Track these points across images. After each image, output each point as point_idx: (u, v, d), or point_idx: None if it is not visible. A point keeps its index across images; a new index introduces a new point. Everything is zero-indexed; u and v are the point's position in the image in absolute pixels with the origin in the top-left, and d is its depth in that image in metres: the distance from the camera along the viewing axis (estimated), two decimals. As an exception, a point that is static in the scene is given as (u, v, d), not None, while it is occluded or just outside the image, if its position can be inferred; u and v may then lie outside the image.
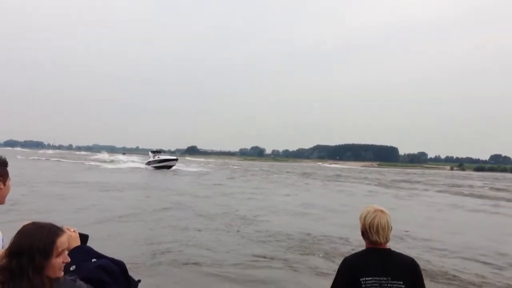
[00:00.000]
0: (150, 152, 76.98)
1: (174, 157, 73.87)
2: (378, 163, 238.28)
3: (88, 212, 16.83)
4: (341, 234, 14.06)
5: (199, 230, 14.04)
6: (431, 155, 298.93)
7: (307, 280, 9.10)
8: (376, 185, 47.77)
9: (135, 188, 29.68)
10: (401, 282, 2.73)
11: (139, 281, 2.10)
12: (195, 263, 9.91)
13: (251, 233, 13.99)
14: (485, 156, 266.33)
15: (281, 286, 8.62)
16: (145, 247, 11.15)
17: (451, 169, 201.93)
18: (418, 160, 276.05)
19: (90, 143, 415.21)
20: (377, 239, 2.81)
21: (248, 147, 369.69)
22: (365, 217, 2.86)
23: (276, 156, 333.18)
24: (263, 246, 12.10)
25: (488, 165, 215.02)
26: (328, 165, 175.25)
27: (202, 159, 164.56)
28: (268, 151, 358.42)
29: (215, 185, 36.58)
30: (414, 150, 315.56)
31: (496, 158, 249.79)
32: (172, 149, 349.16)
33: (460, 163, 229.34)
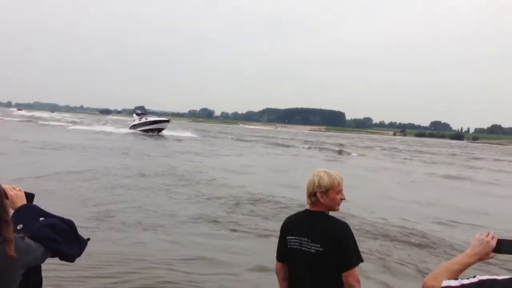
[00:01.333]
0: (134, 115, 64.90)
1: (165, 118, 63.06)
2: (325, 127, 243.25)
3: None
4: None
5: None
6: (376, 120, 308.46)
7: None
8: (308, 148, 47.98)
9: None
10: (319, 245, 2.70)
11: (89, 239, 2.06)
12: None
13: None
14: (426, 123, 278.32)
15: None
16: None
17: (394, 134, 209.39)
18: (364, 125, 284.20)
19: (31, 101, 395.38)
20: (307, 199, 2.83)
21: (197, 108, 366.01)
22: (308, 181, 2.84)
23: (226, 118, 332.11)
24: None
25: (428, 131, 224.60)
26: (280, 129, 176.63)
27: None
28: (217, 113, 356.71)
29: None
30: (361, 116, 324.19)
31: (436, 125, 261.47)
32: (119, 109, 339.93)
33: (403, 129, 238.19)
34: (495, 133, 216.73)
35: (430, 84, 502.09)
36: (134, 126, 60.35)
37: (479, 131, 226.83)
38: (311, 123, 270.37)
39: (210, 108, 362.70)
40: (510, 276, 1.71)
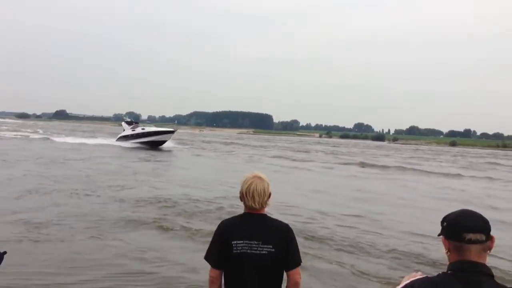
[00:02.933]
0: (124, 123, 51.76)
1: (170, 129, 49.43)
2: (253, 130, 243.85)
3: None
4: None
5: None
6: (302, 123, 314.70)
7: None
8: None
9: None
10: (271, 246, 2.79)
11: (5, 252, 2.14)
12: None
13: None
14: (350, 125, 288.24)
15: None
16: None
17: (320, 136, 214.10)
18: (291, 127, 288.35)
19: None
20: (253, 204, 2.87)
21: (123, 112, 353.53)
22: (243, 183, 2.91)
23: (153, 122, 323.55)
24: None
25: (352, 133, 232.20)
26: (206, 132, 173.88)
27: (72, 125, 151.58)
28: (144, 116, 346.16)
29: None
30: (288, 118, 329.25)
31: (359, 127, 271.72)
32: (38, 113, 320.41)
33: (328, 131, 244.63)
34: (413, 133, 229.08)
35: (351, 85, 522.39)
36: (124, 138, 48.11)
37: (398, 132, 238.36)
38: (240, 126, 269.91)
39: (137, 112, 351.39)
40: (426, 275, 1.93)
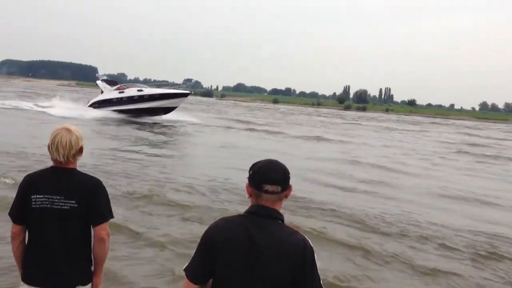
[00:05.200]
0: (101, 82, 37.33)
1: (184, 91, 36.15)
2: (76, 82, 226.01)
3: None
4: None
5: None
6: (130, 76, 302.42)
7: None
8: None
9: None
10: (74, 202, 2.71)
11: None
12: None
13: None
14: (179, 80, 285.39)
15: None
16: None
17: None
18: (118, 81, 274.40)
19: None
20: (57, 157, 2.73)
21: None
22: (51, 135, 2.78)
23: None
24: None
25: (181, 88, 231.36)
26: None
27: None
28: None
29: None
30: (115, 71, 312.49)
31: (188, 82, 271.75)
32: None
33: (158, 86, 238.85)
34: (240, 91, 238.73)
35: (181, 40, 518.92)
36: (106, 103, 34.44)
37: (226, 89, 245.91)
38: (60, 78, 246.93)
39: None
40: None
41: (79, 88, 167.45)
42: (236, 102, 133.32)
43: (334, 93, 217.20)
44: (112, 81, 39.71)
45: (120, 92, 35.10)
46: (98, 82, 37.82)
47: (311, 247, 2.06)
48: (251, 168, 2.12)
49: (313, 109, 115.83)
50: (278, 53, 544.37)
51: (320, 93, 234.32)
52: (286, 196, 2.12)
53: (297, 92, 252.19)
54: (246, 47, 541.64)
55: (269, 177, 2.06)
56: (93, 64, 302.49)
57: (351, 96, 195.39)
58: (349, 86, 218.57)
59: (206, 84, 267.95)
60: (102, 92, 36.89)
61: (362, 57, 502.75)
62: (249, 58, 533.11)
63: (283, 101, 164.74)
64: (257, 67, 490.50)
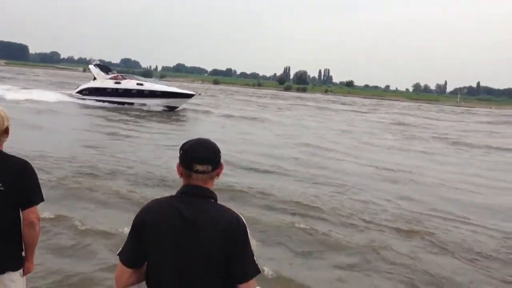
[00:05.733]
0: (94, 67, 34.35)
1: (189, 92, 32.90)
2: (5, 61, 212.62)
3: None
4: None
5: None
6: (64, 55, 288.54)
7: None
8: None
9: None
10: (0, 185, 2.65)
11: None
12: None
13: None
14: (117, 60, 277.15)
15: None
16: None
17: (84, 70, 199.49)
18: (50, 60, 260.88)
19: None
20: None
21: None
22: None
23: None
24: None
25: (119, 68, 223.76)
26: None
27: None
28: None
29: None
30: (47, 50, 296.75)
31: (126, 62, 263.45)
32: None
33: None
34: (180, 71, 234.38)
35: (123, 19, 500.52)
36: (98, 92, 31.66)
37: (166, 69, 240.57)
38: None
39: None
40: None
41: (8, 67, 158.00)
42: (174, 82, 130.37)
43: (275, 74, 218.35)
44: (105, 66, 36.92)
45: (116, 83, 32.33)
46: (91, 67, 35.01)
47: (244, 224, 2.06)
48: (181, 148, 2.10)
49: (253, 90, 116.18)
50: (219, 33, 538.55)
51: (261, 74, 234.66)
52: (217, 175, 2.12)
53: (238, 72, 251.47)
54: (187, 26, 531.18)
55: (199, 156, 2.04)
56: (23, 42, 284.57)
57: (291, 77, 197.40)
58: (289, 67, 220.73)
59: (145, 64, 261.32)
60: (94, 78, 33.97)
61: (303, 38, 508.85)
62: (190, 38, 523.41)
63: (224, 82, 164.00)
64: (198, 48, 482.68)
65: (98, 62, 36.23)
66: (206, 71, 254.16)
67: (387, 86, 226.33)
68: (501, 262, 7.10)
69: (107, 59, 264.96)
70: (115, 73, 34.95)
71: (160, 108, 30.85)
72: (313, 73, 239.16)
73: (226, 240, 2.00)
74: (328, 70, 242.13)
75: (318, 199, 10.02)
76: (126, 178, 10.53)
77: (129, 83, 32.08)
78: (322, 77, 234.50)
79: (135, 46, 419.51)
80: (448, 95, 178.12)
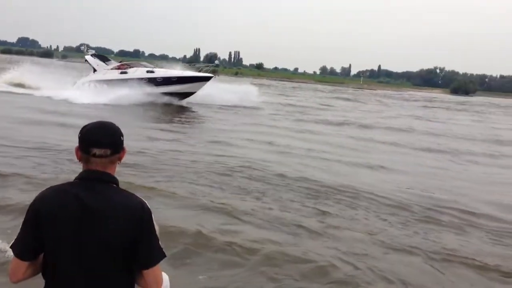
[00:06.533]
0: (91, 58, 29.35)
1: (207, 74, 27.90)
2: None
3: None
4: None
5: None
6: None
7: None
8: None
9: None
10: None
11: None
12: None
13: None
14: (13, 39, 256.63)
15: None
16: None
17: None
18: None
19: None
20: None
21: None
22: None
23: None
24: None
25: (16, 48, 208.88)
26: None
27: None
28: None
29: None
30: None
31: (23, 41, 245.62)
32: None
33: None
34: (82, 52, 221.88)
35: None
36: (104, 84, 26.41)
37: (68, 49, 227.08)
38: None
39: None
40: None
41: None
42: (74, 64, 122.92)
43: (185, 56, 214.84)
44: (102, 56, 32.45)
45: (122, 73, 27.94)
46: (88, 58, 30.19)
47: (149, 209, 2.01)
48: (80, 131, 2.01)
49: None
50: (124, 12, 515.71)
51: (170, 56, 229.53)
52: (120, 159, 2.05)
53: (146, 54, 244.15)
54: (90, 3, 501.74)
55: (97, 140, 1.97)
56: None
57: (201, 59, 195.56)
58: (199, 49, 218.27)
59: (44, 43, 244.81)
60: (94, 70, 29.49)
61: (213, 19, 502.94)
62: (93, 16, 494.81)
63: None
64: (103, 27, 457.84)
65: (94, 52, 31.81)
66: (112, 52, 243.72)
67: (296, 69, 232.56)
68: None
69: (2, 39, 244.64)
70: (113, 63, 30.31)
71: (174, 99, 26.93)
72: (224, 55, 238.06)
73: (130, 226, 1.94)
74: (239, 52, 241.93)
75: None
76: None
77: (138, 72, 27.78)
78: (232, 59, 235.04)
79: (33, 24, 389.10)
80: (352, 78, 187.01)
